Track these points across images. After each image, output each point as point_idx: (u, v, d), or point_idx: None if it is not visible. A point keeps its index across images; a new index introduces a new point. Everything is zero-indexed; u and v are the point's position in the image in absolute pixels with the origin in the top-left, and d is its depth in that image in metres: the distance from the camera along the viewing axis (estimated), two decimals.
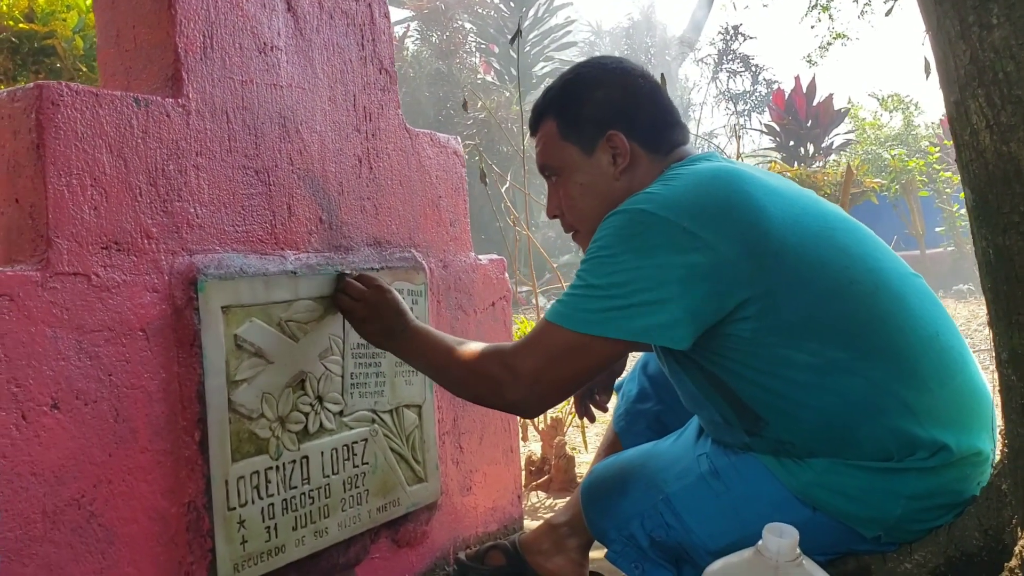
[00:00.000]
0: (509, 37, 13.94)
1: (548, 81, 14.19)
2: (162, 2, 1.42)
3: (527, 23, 14.70)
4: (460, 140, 2.12)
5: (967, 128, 1.14)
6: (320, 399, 1.61)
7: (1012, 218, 1.10)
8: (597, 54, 1.57)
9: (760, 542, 1.15)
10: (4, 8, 3.57)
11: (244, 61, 1.52)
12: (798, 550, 1.14)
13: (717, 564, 1.22)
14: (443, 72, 12.81)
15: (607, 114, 1.49)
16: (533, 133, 1.58)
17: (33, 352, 1.19)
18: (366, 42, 1.80)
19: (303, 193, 1.63)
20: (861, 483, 1.38)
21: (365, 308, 1.59)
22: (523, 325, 2.86)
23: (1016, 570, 1.16)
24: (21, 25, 3.50)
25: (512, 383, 1.36)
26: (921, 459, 1.36)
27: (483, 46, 14.84)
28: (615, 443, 1.88)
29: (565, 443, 2.57)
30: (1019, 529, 1.21)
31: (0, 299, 1.16)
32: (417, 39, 13.71)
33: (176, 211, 1.39)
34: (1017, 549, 1.21)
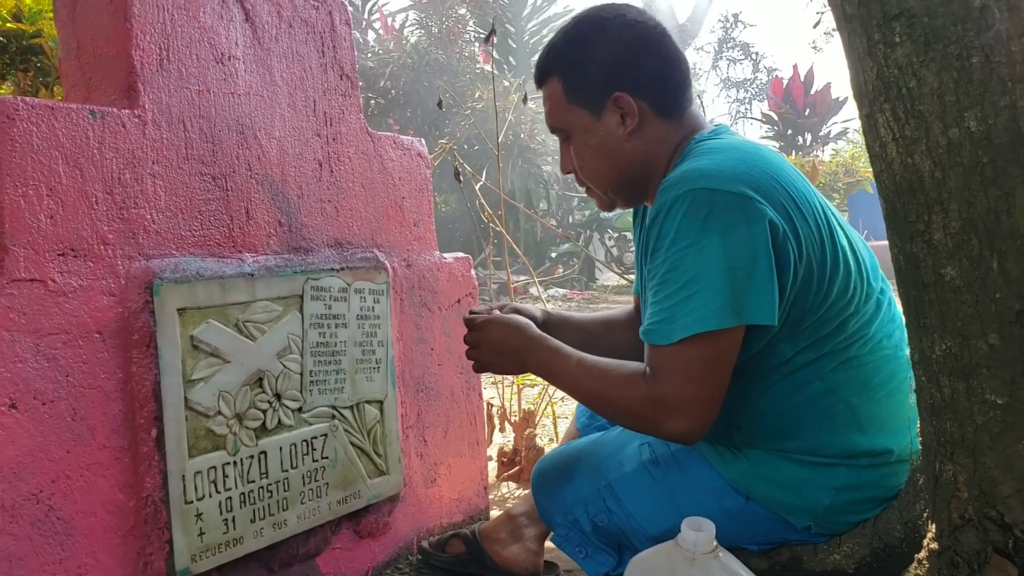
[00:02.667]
0: (509, 28, 13.98)
1: None
2: (118, 16, 1.47)
3: (526, 11, 14.69)
4: (424, 142, 2.17)
5: (876, 140, 1.19)
6: (279, 396, 1.67)
7: (917, 227, 1.15)
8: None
9: (679, 535, 1.21)
10: None
11: (201, 71, 1.58)
12: (715, 543, 1.20)
13: (642, 554, 1.28)
14: (442, 61, 12.83)
15: (612, 74, 1.45)
16: (539, 87, 1.54)
17: None
18: (326, 49, 1.86)
19: (261, 197, 1.68)
20: (793, 474, 1.44)
21: (483, 353, 1.57)
22: None
23: (924, 561, 1.22)
24: (9, 25, 3.55)
25: (667, 419, 1.30)
26: (858, 460, 1.42)
27: (482, 35, 14.83)
28: (575, 438, 1.93)
29: (535, 435, 2.63)
30: (929, 522, 1.27)
31: None
32: (416, 29, 13.73)
33: (132, 218, 1.45)
34: (925, 541, 1.26)
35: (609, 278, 13.14)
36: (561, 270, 10.88)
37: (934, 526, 1.21)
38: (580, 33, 1.49)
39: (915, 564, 1.27)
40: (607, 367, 1.40)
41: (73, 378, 1.35)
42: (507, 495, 2.55)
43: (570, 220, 13.17)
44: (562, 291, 10.12)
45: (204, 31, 1.59)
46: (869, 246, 1.56)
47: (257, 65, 1.69)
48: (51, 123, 1.35)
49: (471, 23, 14.52)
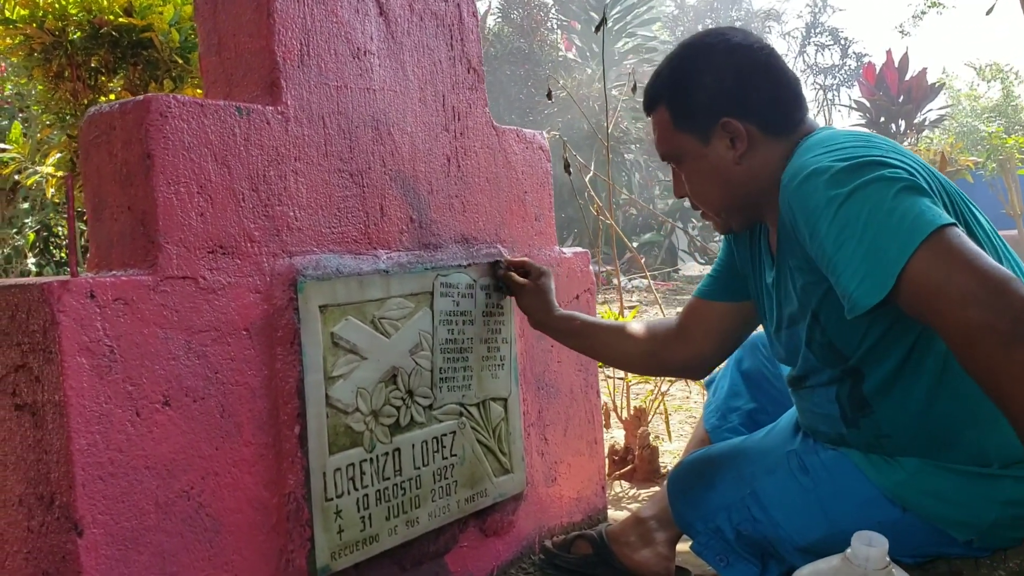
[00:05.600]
0: (591, 15, 13.85)
1: (631, 58, 14.08)
2: (261, 11, 1.47)
3: None
4: (545, 134, 2.14)
5: None
6: (411, 393, 1.66)
7: None
8: (693, 29, 1.48)
9: (848, 550, 1.16)
10: (105, 3, 3.71)
11: (339, 67, 1.57)
12: (887, 558, 1.14)
13: (805, 570, 1.22)
14: (524, 50, 12.81)
15: (718, 100, 1.42)
16: (648, 115, 1.54)
17: (146, 352, 1.26)
18: (455, 42, 1.83)
19: (395, 193, 1.67)
20: (954, 485, 1.37)
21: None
22: (606, 316, 2.87)
23: None
24: (121, 19, 3.63)
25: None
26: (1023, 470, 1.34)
27: (564, 23, 14.76)
28: (705, 440, 1.88)
29: (649, 433, 2.58)
30: None
31: (115, 303, 1.23)
32: (499, 17, 13.72)
33: (277, 215, 1.45)
34: None
35: (691, 268, 12.97)
36: (644, 260, 10.77)
37: None
38: (685, 60, 1.47)
39: None
40: None
41: (222, 375, 1.36)
42: (620, 494, 2.51)
43: (651, 208, 13.04)
44: (645, 282, 10.01)
45: (342, 26, 1.58)
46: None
47: (391, 60, 1.68)
48: (201, 120, 1.35)
49: (553, 11, 14.46)
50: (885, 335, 1.33)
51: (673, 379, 2.89)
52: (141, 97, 1.30)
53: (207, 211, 1.35)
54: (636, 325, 1.80)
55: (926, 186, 1.20)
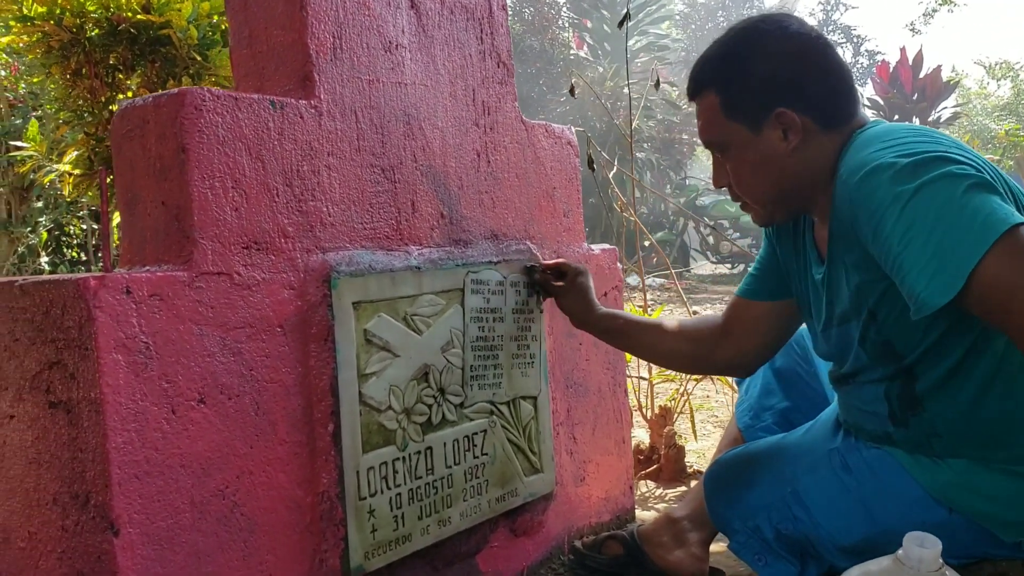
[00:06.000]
0: (603, 13, 13.81)
1: (643, 56, 14.03)
2: (294, 4, 1.45)
3: None
4: (573, 130, 2.11)
5: None
6: (442, 391, 1.63)
7: None
8: (705, 27, 1.42)
9: (900, 551, 1.13)
10: (123, 0, 3.69)
11: (371, 60, 1.55)
12: (940, 560, 1.12)
13: (854, 571, 1.20)
14: (536, 49, 12.77)
15: (774, 90, 1.36)
16: (691, 99, 1.48)
17: (181, 349, 1.24)
18: (485, 36, 1.81)
19: (426, 189, 1.65)
20: (1004, 486, 1.34)
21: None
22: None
23: None
24: (139, 16, 3.62)
25: None
26: None
27: (576, 21, 14.72)
28: (738, 440, 1.85)
29: (675, 432, 2.56)
30: None
31: (151, 299, 1.21)
32: (510, 15, 13.70)
33: (310, 210, 1.43)
34: None
35: (703, 267, 12.92)
36: (657, 259, 10.73)
37: None
38: (739, 46, 1.41)
39: None
40: None
41: (256, 372, 1.34)
42: (646, 494, 2.48)
43: (662, 208, 12.99)
44: (659, 280, 9.96)
45: (374, 19, 1.56)
46: None
47: (422, 53, 1.66)
48: (235, 114, 1.33)
49: (564, 9, 14.42)
50: (945, 335, 1.30)
51: (699, 378, 2.87)
52: (175, 90, 1.28)
53: (242, 206, 1.33)
54: (679, 324, 1.77)
55: (995, 183, 1.17)
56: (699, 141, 1.43)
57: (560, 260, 1.86)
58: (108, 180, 3.68)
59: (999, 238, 1.08)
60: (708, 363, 1.77)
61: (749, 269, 1.70)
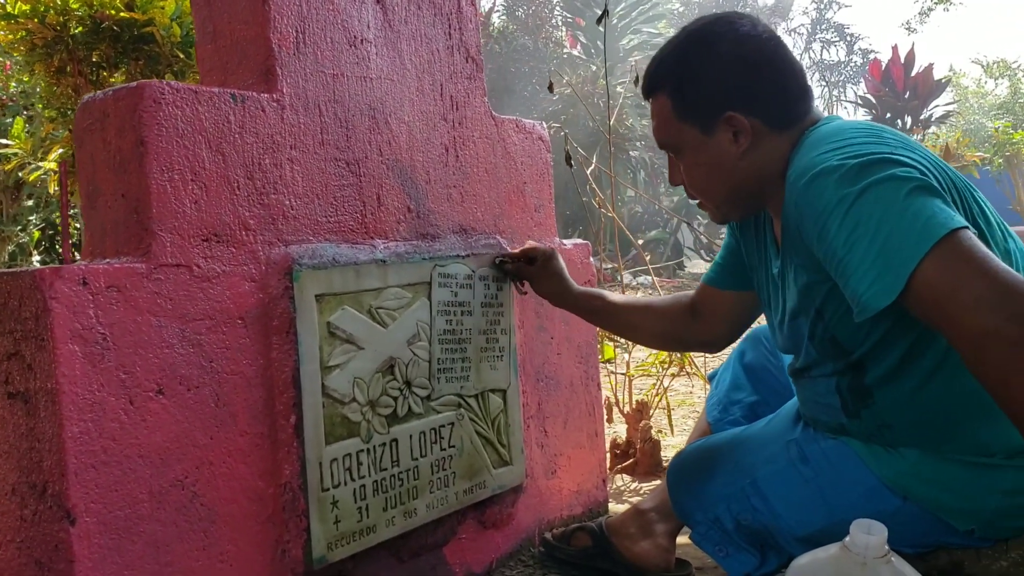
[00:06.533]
0: (596, 12, 13.79)
1: (636, 55, 14.04)
2: None
3: None
4: (545, 125, 2.12)
5: None
6: (408, 384, 1.64)
7: None
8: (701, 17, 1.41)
9: (847, 538, 1.14)
10: None
11: (335, 55, 1.56)
12: (887, 546, 1.13)
13: (804, 558, 1.21)
14: (529, 47, 12.77)
15: (724, 94, 1.38)
16: (646, 98, 1.49)
17: (139, 340, 1.25)
18: (453, 31, 1.82)
19: (392, 183, 1.66)
20: (955, 475, 1.35)
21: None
22: None
23: None
24: (122, 14, 3.63)
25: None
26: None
27: (569, 20, 14.72)
28: (707, 433, 1.86)
29: (651, 427, 2.57)
30: None
31: (108, 291, 1.22)
32: (503, 14, 13.70)
33: (272, 203, 1.44)
34: None
35: (697, 265, 12.94)
36: (648, 258, 10.75)
37: None
38: (691, 49, 1.42)
39: None
40: None
41: (217, 364, 1.35)
42: (622, 488, 2.49)
43: (656, 207, 13.00)
44: (650, 279, 9.99)
45: (338, 13, 1.57)
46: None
47: (388, 48, 1.67)
48: (195, 107, 1.34)
49: (558, 8, 14.42)
50: (889, 331, 1.31)
51: (675, 373, 2.89)
52: (135, 84, 1.29)
53: (201, 199, 1.34)
54: (653, 304, 1.83)
55: (938, 185, 1.18)
56: None
57: (528, 246, 1.87)
58: (69, 172, 3.68)
59: (937, 242, 1.10)
60: (681, 342, 1.90)
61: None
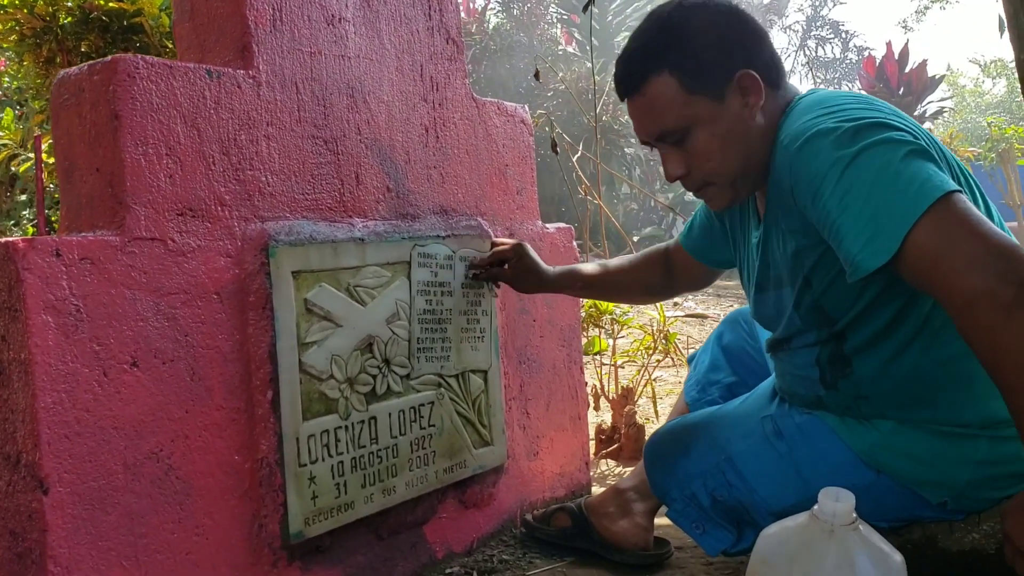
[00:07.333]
0: (593, 9, 13.77)
1: None
2: None
3: None
4: (528, 108, 2.13)
5: None
6: (387, 362, 1.65)
7: None
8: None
9: (816, 506, 1.15)
10: None
11: (313, 33, 1.56)
12: (854, 514, 1.14)
13: (773, 527, 1.22)
14: (524, 44, 12.77)
15: (728, 53, 1.35)
16: (632, 95, 1.40)
17: (113, 313, 1.26)
18: (433, 12, 1.83)
19: (371, 162, 1.67)
20: (928, 446, 1.36)
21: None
22: (605, 310, 2.86)
23: None
24: (111, 4, 3.63)
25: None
26: (1000, 431, 1.33)
27: (564, 16, 14.72)
28: (685, 413, 1.87)
29: (635, 412, 2.58)
30: None
31: (82, 263, 1.22)
32: (499, 11, 13.70)
33: (248, 179, 1.45)
34: None
35: None
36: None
37: None
38: (675, 27, 1.38)
39: None
40: None
41: (192, 338, 1.36)
42: (606, 472, 2.50)
43: (651, 204, 13.00)
44: None
45: None
46: None
47: (366, 27, 1.67)
48: (170, 82, 1.34)
49: (553, 4, 14.42)
50: (875, 300, 1.32)
51: (660, 359, 2.90)
52: (109, 58, 1.30)
53: (176, 173, 1.35)
54: (631, 265, 1.87)
55: (931, 151, 1.19)
56: None
57: (495, 250, 1.84)
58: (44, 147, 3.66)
59: (932, 204, 1.11)
60: (662, 296, 1.99)
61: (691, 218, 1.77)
